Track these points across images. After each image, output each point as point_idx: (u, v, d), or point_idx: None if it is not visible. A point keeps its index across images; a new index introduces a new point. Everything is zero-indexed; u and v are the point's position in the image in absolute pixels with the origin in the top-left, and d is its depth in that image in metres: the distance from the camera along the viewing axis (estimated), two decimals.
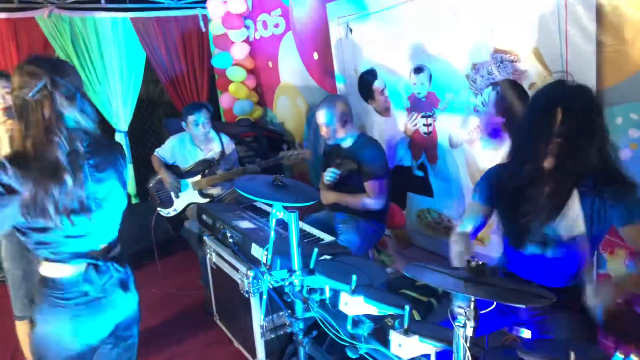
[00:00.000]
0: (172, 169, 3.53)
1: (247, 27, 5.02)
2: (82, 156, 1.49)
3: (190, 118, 3.42)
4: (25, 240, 1.49)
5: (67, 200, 1.44)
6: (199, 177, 3.51)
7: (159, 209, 3.63)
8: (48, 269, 1.53)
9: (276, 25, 4.54)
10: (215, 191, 3.59)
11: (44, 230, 1.45)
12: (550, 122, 1.57)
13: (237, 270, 2.51)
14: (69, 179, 1.43)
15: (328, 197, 2.99)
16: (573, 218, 1.66)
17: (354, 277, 1.52)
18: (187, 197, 3.53)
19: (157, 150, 3.61)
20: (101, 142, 1.59)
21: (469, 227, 1.88)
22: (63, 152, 1.43)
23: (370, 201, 2.83)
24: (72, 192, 1.44)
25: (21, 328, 2.74)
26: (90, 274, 1.54)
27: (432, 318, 2.54)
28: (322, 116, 2.84)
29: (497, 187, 1.82)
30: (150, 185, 3.63)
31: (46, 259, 1.52)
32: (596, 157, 1.58)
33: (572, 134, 1.55)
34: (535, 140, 1.62)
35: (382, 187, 2.85)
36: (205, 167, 3.53)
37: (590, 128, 1.56)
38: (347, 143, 2.93)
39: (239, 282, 2.47)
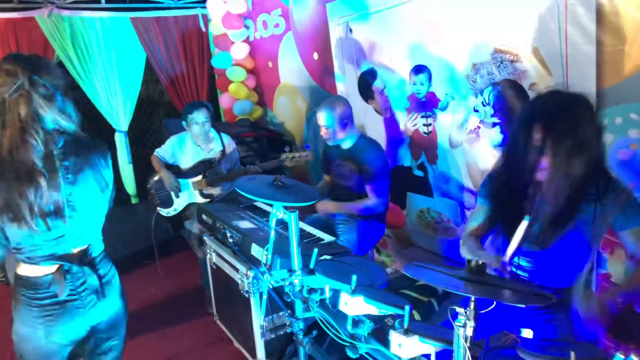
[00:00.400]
0: (173, 168, 3.53)
1: (247, 27, 5.02)
2: (57, 158, 1.45)
3: (190, 117, 3.42)
4: (7, 243, 1.49)
5: (42, 204, 1.41)
6: (199, 177, 3.50)
7: (158, 208, 3.63)
8: (23, 269, 1.53)
9: (276, 25, 4.54)
10: (215, 191, 3.58)
11: (12, 235, 1.44)
12: (530, 140, 1.57)
13: (237, 270, 2.51)
14: (43, 182, 1.40)
15: (326, 207, 2.98)
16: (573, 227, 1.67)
17: (354, 277, 1.52)
18: (187, 197, 3.53)
19: (157, 150, 3.61)
20: (80, 142, 1.54)
21: (475, 227, 1.89)
22: (38, 155, 1.40)
23: (372, 204, 2.84)
24: (47, 195, 1.42)
25: None
26: (59, 277, 1.51)
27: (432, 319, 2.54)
28: (322, 117, 2.84)
29: (494, 193, 1.83)
30: (150, 184, 3.63)
31: (21, 262, 1.52)
32: (591, 167, 1.58)
33: (557, 150, 1.55)
34: (522, 157, 1.62)
35: (384, 189, 2.85)
36: (206, 167, 3.52)
37: (579, 141, 1.55)
38: (347, 144, 2.93)
39: (239, 282, 2.47)
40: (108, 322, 1.66)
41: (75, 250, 1.56)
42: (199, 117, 3.41)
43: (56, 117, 1.46)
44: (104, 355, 1.72)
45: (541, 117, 1.57)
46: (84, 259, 1.58)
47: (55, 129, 1.46)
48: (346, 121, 2.85)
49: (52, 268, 1.51)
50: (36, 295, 1.51)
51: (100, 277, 1.60)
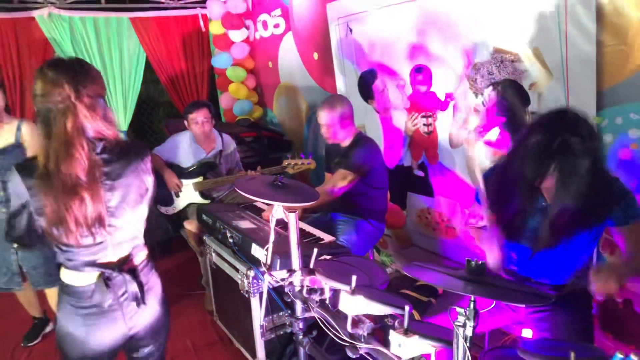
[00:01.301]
0: (172, 168, 3.53)
1: (247, 27, 5.02)
2: (97, 166, 1.43)
3: (191, 116, 3.41)
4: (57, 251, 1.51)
5: (87, 215, 1.41)
6: (200, 178, 3.50)
7: (158, 205, 3.62)
8: (65, 275, 1.53)
9: (276, 26, 4.55)
10: (215, 192, 3.59)
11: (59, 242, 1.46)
12: (541, 169, 1.58)
13: (237, 270, 2.51)
14: (87, 195, 1.40)
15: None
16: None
17: (354, 277, 1.52)
18: (187, 197, 3.53)
19: (156, 148, 3.60)
20: (120, 146, 1.51)
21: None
22: (82, 168, 1.39)
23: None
24: (90, 206, 1.41)
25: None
26: (100, 285, 1.51)
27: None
28: (323, 116, 2.84)
29: (494, 193, 1.83)
30: None
31: (64, 265, 1.52)
32: (592, 178, 1.58)
33: (565, 175, 1.56)
34: (529, 165, 1.63)
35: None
36: (207, 168, 3.53)
37: (584, 164, 1.55)
38: (346, 143, 2.93)
39: (239, 282, 2.47)
40: (147, 329, 1.67)
41: (114, 258, 1.55)
42: (199, 116, 3.40)
43: (100, 126, 1.44)
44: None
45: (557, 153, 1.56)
46: (124, 266, 1.57)
47: (96, 137, 1.45)
48: (346, 120, 2.85)
49: (93, 276, 1.51)
50: (79, 303, 1.52)
51: (141, 285, 1.59)
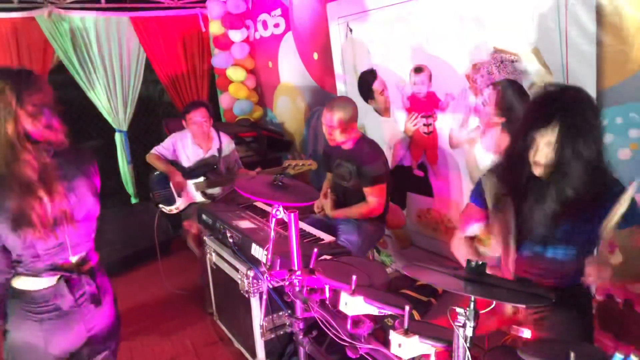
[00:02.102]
0: (173, 166, 3.53)
1: (247, 27, 5.02)
2: (52, 168, 1.47)
3: (189, 116, 3.42)
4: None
5: (49, 213, 1.44)
6: (201, 178, 3.51)
7: (160, 205, 3.62)
8: (21, 282, 1.52)
9: (276, 25, 4.55)
10: (215, 191, 3.59)
11: (18, 248, 1.46)
12: (537, 133, 1.57)
13: (237, 270, 2.51)
14: (43, 194, 1.43)
15: (333, 214, 2.96)
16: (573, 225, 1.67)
17: (354, 277, 1.52)
18: (188, 196, 3.53)
19: (155, 148, 3.60)
20: (70, 152, 1.56)
21: (467, 231, 1.91)
22: (33, 169, 1.42)
23: (370, 208, 2.83)
24: (51, 205, 1.44)
25: None
26: (62, 287, 1.52)
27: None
28: (328, 117, 2.80)
29: (491, 192, 1.83)
30: (151, 183, 3.63)
31: (20, 273, 1.51)
32: (589, 166, 1.57)
33: (562, 141, 1.55)
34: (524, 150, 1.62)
35: (382, 192, 2.84)
36: (208, 168, 3.53)
37: (582, 134, 1.55)
38: (347, 145, 2.92)
39: (239, 282, 2.47)
40: (103, 332, 1.67)
41: (74, 259, 1.58)
42: (197, 116, 3.41)
43: (44, 133, 1.47)
44: None
45: (559, 109, 1.56)
46: (82, 267, 1.59)
47: (44, 142, 1.48)
48: (351, 123, 2.83)
49: (52, 279, 1.52)
50: (36, 308, 1.51)
51: (97, 286, 1.62)
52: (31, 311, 1.51)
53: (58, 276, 1.52)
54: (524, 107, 1.70)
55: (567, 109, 1.54)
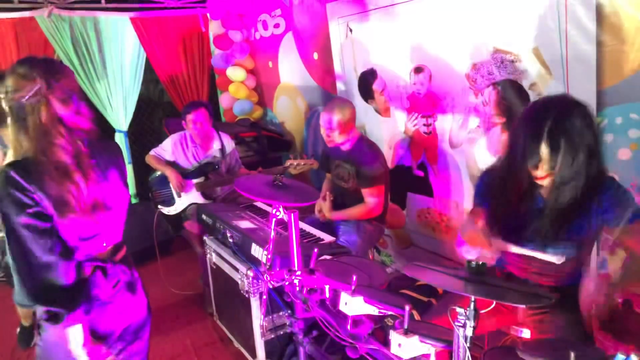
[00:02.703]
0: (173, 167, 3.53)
1: (247, 27, 5.02)
2: (86, 156, 1.49)
3: (189, 117, 3.42)
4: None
5: (85, 198, 1.45)
6: (202, 178, 3.51)
7: (160, 206, 3.62)
8: None
9: (276, 26, 4.55)
10: (216, 192, 3.59)
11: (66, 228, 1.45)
12: (534, 141, 1.56)
13: (237, 270, 2.51)
14: (79, 179, 1.44)
15: (332, 215, 2.94)
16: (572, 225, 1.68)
17: (354, 277, 1.52)
18: (188, 197, 3.53)
19: (154, 149, 3.60)
20: (100, 141, 1.59)
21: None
22: (68, 154, 1.43)
23: (369, 209, 2.83)
24: (86, 190, 1.46)
25: None
26: (97, 277, 1.53)
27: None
28: (326, 120, 2.80)
29: (490, 193, 1.83)
30: (152, 182, 3.63)
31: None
32: (593, 169, 1.58)
33: (559, 148, 1.55)
34: (523, 157, 1.62)
35: (380, 193, 2.84)
36: (209, 169, 3.53)
37: (578, 142, 1.55)
38: (346, 146, 2.91)
39: (239, 282, 2.47)
40: (138, 321, 1.69)
41: (109, 248, 1.59)
42: (197, 117, 3.41)
43: (74, 118, 1.49)
44: (133, 355, 1.72)
45: (553, 116, 1.56)
46: (115, 257, 1.61)
47: (76, 129, 1.49)
48: (349, 124, 2.83)
49: (88, 270, 1.52)
50: (73, 299, 1.49)
51: (132, 275, 1.66)
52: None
53: (94, 266, 1.53)
54: (516, 122, 1.70)
55: (555, 116, 1.54)
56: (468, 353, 1.23)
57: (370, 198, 2.82)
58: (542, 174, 1.60)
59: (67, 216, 1.42)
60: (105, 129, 5.10)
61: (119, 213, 1.62)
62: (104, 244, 1.57)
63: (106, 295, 1.55)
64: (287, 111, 4.88)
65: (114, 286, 1.58)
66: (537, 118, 1.58)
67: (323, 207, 2.94)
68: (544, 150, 1.54)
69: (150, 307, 1.78)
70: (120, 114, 4.92)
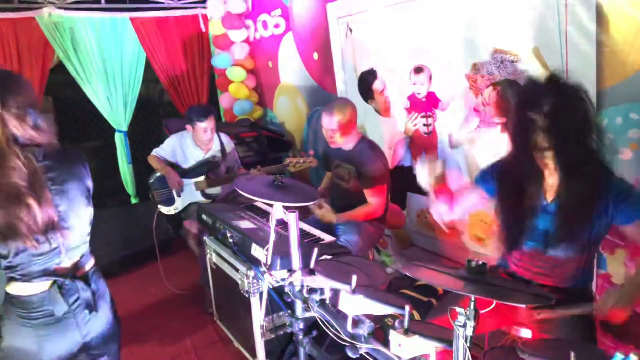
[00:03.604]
0: (173, 167, 3.53)
1: (247, 27, 5.02)
2: (40, 172, 1.43)
3: (200, 125, 3.40)
4: None
5: (38, 220, 1.40)
6: (202, 177, 3.51)
7: (159, 206, 3.63)
8: (14, 288, 1.49)
9: (276, 26, 4.55)
10: (217, 191, 3.59)
11: (10, 255, 1.42)
12: (533, 126, 1.56)
13: (237, 270, 2.51)
14: (32, 202, 1.38)
15: (337, 219, 2.89)
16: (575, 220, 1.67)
17: (354, 277, 1.52)
18: (188, 196, 3.53)
19: (155, 150, 3.60)
20: (58, 152, 1.52)
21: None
22: (21, 176, 1.38)
23: (371, 210, 2.83)
24: (40, 212, 1.40)
25: None
26: (54, 293, 1.49)
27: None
28: (328, 120, 2.79)
29: (498, 182, 1.83)
30: (152, 182, 3.63)
31: (13, 279, 1.49)
32: (590, 163, 1.57)
33: (559, 134, 1.54)
34: (525, 146, 1.62)
35: (383, 193, 2.84)
36: (209, 167, 3.53)
37: (578, 129, 1.54)
38: (348, 146, 2.91)
39: (239, 282, 2.47)
40: (100, 337, 1.63)
41: (68, 264, 1.54)
42: (209, 124, 3.41)
43: (31, 134, 1.43)
44: None
45: (546, 105, 1.55)
46: (76, 272, 1.56)
47: (33, 144, 1.44)
48: (351, 125, 2.82)
49: (45, 284, 1.49)
50: (29, 314, 1.48)
51: (93, 292, 1.58)
52: (24, 317, 1.48)
53: (51, 281, 1.49)
54: (516, 100, 1.69)
55: (552, 102, 1.54)
56: (468, 353, 1.23)
57: (373, 198, 2.82)
58: (548, 162, 1.59)
59: (8, 244, 1.38)
60: (105, 129, 5.11)
61: (79, 228, 1.56)
62: (63, 260, 1.52)
63: (62, 311, 1.50)
64: (287, 111, 4.88)
65: (72, 303, 1.53)
66: (533, 102, 1.58)
67: (323, 215, 2.86)
68: (542, 134, 1.54)
69: (118, 322, 1.72)
70: (120, 114, 4.92)
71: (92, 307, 1.57)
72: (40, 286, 1.49)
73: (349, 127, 2.80)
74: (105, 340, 1.65)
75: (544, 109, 1.53)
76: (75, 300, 1.53)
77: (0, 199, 1.35)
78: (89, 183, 1.61)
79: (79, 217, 1.55)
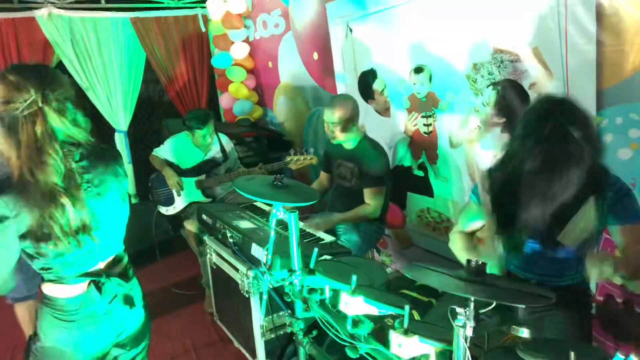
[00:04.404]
0: (173, 168, 3.53)
1: (247, 27, 5.02)
2: (77, 173, 1.40)
3: (199, 132, 3.41)
4: (31, 263, 1.44)
5: (70, 222, 1.37)
6: (202, 176, 3.51)
7: (158, 206, 3.63)
8: (49, 289, 1.47)
9: (276, 25, 4.55)
10: (217, 191, 3.59)
11: (45, 255, 1.39)
12: (539, 135, 1.55)
13: (237, 270, 2.51)
14: (67, 202, 1.35)
15: (332, 220, 2.86)
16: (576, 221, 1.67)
17: (354, 277, 1.52)
18: (188, 196, 3.53)
19: (155, 149, 3.61)
20: (95, 151, 1.49)
21: (466, 227, 1.92)
22: (58, 174, 1.34)
23: (370, 210, 2.82)
24: (74, 213, 1.37)
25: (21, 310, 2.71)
26: (92, 293, 1.48)
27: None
28: (330, 115, 2.79)
29: (493, 190, 1.82)
30: (152, 182, 3.63)
31: (49, 280, 1.47)
32: (588, 166, 1.57)
33: (559, 145, 1.54)
34: (525, 149, 1.61)
35: (381, 194, 2.83)
36: (210, 167, 3.53)
37: (578, 140, 1.54)
38: (349, 144, 2.91)
39: (239, 282, 2.47)
40: (133, 334, 1.63)
41: (103, 264, 1.53)
42: (208, 131, 3.42)
43: (69, 129, 1.40)
44: None
45: (553, 115, 1.55)
46: (112, 271, 1.54)
47: (70, 142, 1.41)
48: (353, 121, 2.83)
49: (82, 286, 1.47)
50: (67, 315, 1.46)
51: (129, 289, 1.58)
52: (61, 318, 1.46)
53: (87, 282, 1.47)
54: (519, 119, 1.68)
55: (556, 117, 1.54)
56: (468, 353, 1.23)
57: (371, 199, 2.81)
58: (541, 174, 1.59)
59: (42, 246, 1.36)
60: (105, 129, 5.10)
61: (116, 228, 1.54)
62: (99, 260, 1.51)
63: (101, 310, 1.50)
64: (287, 111, 4.87)
65: (110, 301, 1.52)
66: (539, 121, 1.57)
67: (316, 225, 2.79)
68: (543, 151, 1.54)
69: (149, 318, 1.71)
70: (120, 114, 4.92)
71: (131, 301, 1.56)
72: (77, 288, 1.47)
73: (351, 123, 2.80)
74: (137, 337, 1.65)
75: (548, 129, 1.53)
76: (113, 299, 1.52)
77: (35, 198, 1.32)
78: (126, 182, 1.59)
79: (114, 218, 1.53)
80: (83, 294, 1.47)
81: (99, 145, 1.52)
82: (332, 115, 2.77)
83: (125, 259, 1.63)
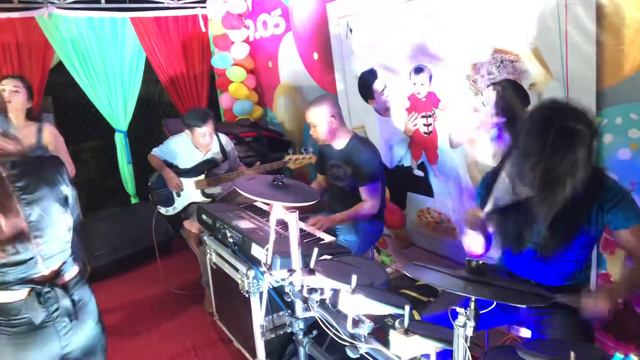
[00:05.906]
0: (172, 168, 3.53)
1: (247, 27, 5.02)
2: (8, 181, 1.41)
3: (199, 130, 3.40)
4: None
5: (4, 229, 1.38)
6: (202, 176, 3.51)
7: (158, 207, 3.63)
8: None
9: (276, 25, 4.55)
10: (216, 191, 3.59)
11: None
12: (542, 142, 1.55)
13: (237, 270, 2.51)
14: None
15: (333, 220, 2.83)
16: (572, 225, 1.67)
17: (354, 277, 1.52)
18: (188, 196, 3.53)
19: (154, 149, 3.60)
20: (30, 160, 1.50)
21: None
22: None
23: (368, 207, 2.82)
24: (4, 222, 1.38)
25: None
26: (32, 301, 1.46)
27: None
28: (310, 116, 2.83)
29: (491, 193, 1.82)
30: (151, 183, 3.63)
31: None
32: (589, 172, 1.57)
33: (561, 152, 1.54)
34: (526, 158, 1.61)
35: (377, 191, 2.83)
36: (209, 166, 3.53)
37: (585, 154, 1.54)
38: (339, 145, 2.92)
39: (239, 282, 2.47)
40: (81, 350, 1.59)
41: (47, 272, 1.51)
42: (207, 130, 3.41)
43: (1, 143, 1.43)
44: None
45: (558, 121, 1.55)
46: (56, 281, 1.53)
47: (1, 153, 1.43)
48: (335, 119, 2.82)
49: (23, 292, 1.46)
50: (7, 321, 1.45)
51: (73, 300, 1.54)
52: (2, 324, 1.45)
53: (29, 289, 1.46)
54: (521, 125, 1.68)
55: (560, 124, 1.53)
56: (468, 353, 1.23)
57: (368, 196, 2.81)
58: (540, 177, 1.59)
59: None
60: (105, 129, 5.10)
61: (56, 236, 1.53)
62: (42, 269, 1.49)
63: (40, 319, 1.47)
64: (287, 111, 4.88)
65: (52, 312, 1.49)
66: (542, 124, 1.57)
67: (316, 226, 2.77)
68: (545, 155, 1.54)
69: (103, 332, 1.67)
70: (120, 114, 4.91)
71: (72, 316, 1.53)
72: (18, 294, 1.46)
73: (333, 122, 2.81)
74: (87, 353, 1.61)
75: (552, 134, 1.52)
76: (56, 310, 1.50)
77: None
78: (65, 189, 1.58)
79: (53, 225, 1.52)
80: (23, 301, 1.46)
81: (37, 156, 1.55)
82: (316, 114, 2.80)
83: (74, 270, 1.60)
